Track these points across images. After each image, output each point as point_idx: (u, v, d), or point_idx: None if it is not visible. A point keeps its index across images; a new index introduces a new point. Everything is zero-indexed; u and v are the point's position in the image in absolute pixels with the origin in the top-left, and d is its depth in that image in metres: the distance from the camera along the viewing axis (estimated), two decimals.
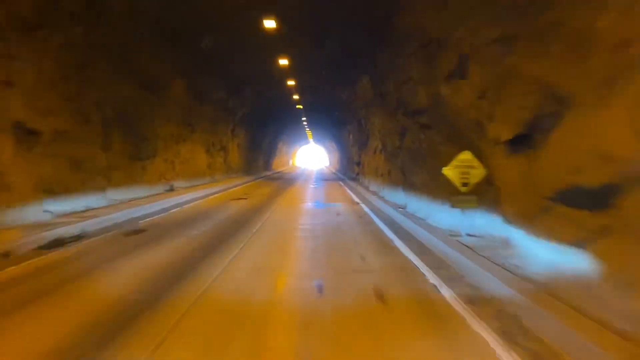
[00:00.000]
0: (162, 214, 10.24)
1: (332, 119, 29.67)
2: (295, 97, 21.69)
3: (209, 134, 19.29)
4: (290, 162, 68.85)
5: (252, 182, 23.51)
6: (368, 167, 18.86)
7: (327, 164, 67.13)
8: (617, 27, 3.51)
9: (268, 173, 35.45)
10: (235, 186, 19.48)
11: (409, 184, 9.91)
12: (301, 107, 25.21)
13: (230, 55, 14.48)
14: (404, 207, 10.31)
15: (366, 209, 11.68)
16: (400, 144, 10.45)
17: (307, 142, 70.56)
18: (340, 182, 23.95)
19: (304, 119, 32.71)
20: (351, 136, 25.81)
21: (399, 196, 11.35)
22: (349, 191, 17.77)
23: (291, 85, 18.63)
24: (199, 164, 18.32)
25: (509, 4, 4.88)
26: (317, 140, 61.58)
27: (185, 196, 13.74)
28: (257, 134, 30.94)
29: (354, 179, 24.47)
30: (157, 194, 13.33)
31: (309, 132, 48.76)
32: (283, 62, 13.90)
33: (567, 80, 4.18)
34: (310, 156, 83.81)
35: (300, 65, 15.50)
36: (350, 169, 28.76)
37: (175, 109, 14.20)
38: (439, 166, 7.72)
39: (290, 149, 64.32)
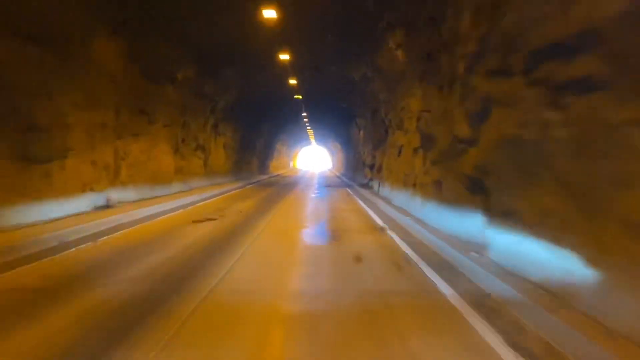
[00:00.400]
0: (35, 263, 5.53)
1: (337, 112, 25.01)
2: (293, 81, 17.02)
3: (177, 128, 14.62)
4: (291, 165, 64.39)
5: (238, 190, 18.80)
6: (389, 172, 14.14)
7: (330, 166, 62.71)
8: None
9: (264, 177, 30.78)
10: (212, 197, 14.78)
11: (497, 209, 5.19)
12: (300, 97, 20.56)
13: (194, 8, 9.84)
14: (480, 251, 5.58)
15: (404, 245, 6.95)
16: (473, 132, 5.74)
17: (309, 144, 66.18)
18: (349, 190, 19.22)
19: (304, 114, 28.07)
20: (362, 132, 21.10)
21: (459, 223, 6.64)
22: (363, 205, 13.05)
23: (285, 62, 13.97)
24: (162, 168, 13.65)
25: None
26: (319, 141, 57.11)
27: (122, 217, 9.05)
28: (250, 132, 26.30)
29: (364, 186, 19.76)
30: (74, 215, 8.66)
31: (310, 132, 44.15)
32: (269, 13, 9.22)
33: None
34: (312, 158, 79.29)
35: (297, 27, 10.86)
36: (360, 173, 24.07)
37: (107, 85, 9.52)
38: (620, 179, 3.00)
39: (291, 150, 59.87)
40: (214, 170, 20.02)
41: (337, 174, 40.73)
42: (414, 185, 9.89)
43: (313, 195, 16.76)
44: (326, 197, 15.86)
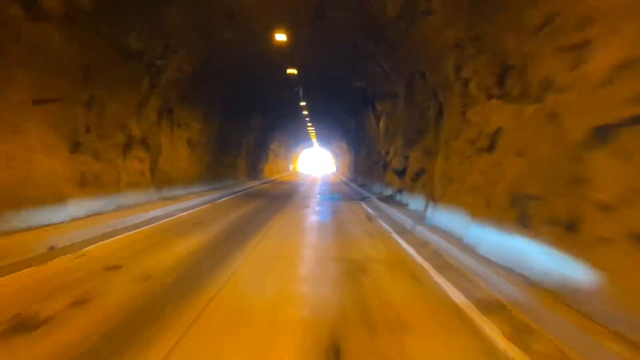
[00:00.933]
0: None
1: (345, 99, 18.82)
2: (281, 37, 10.79)
3: (74, 106, 8.37)
4: (291, 168, 58.20)
5: (201, 207, 12.53)
6: (447, 183, 7.84)
7: (334, 169, 56.67)
8: None
9: (253, 184, 24.52)
10: (129, 229, 8.48)
11: None
12: (295, 71, 14.32)
13: None
14: None
15: None
16: None
17: (311, 145, 60.16)
18: (367, 207, 12.91)
19: (303, 104, 21.86)
20: (383, 123, 14.83)
21: None
22: (411, 250, 6.71)
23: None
24: (32, 177, 7.40)
25: None
26: (322, 141, 51.03)
27: None
28: (232, 125, 20.11)
29: (388, 199, 13.49)
30: None
31: (310, 129, 37.96)
32: None
33: None
34: (315, 161, 73.20)
35: None
36: (376, 179, 17.81)
37: None
38: None
39: (290, 151, 53.75)
40: (169, 178, 13.78)
41: (344, 179, 34.49)
42: (598, 236, 3.57)
43: (314, 219, 10.47)
44: (336, 224, 9.55)
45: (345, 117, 23.14)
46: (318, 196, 17.49)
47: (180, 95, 13.00)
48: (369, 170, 20.58)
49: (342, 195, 17.92)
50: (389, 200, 13.47)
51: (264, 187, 23.87)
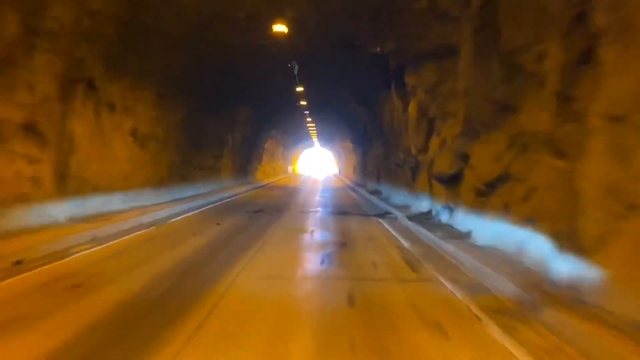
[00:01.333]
0: None
1: (356, 79, 14.26)
2: None
3: None
4: (290, 169, 53.64)
5: (127, 236, 7.81)
6: (618, 215, 3.18)
7: (336, 171, 52.05)
8: None
9: (239, 190, 19.81)
10: None
11: None
12: (285, 28, 9.67)
13: None
14: None
15: None
16: None
17: (312, 145, 55.60)
18: (390, 229, 8.27)
19: (300, 89, 17.23)
20: (415, 104, 10.11)
21: None
22: None
23: None
24: None
25: None
26: (323, 140, 46.51)
27: None
28: (208, 115, 15.56)
29: (424, 220, 8.87)
30: None
31: (311, 126, 33.33)
32: None
33: None
34: (315, 161, 68.51)
35: None
36: (399, 185, 13.24)
37: None
38: None
39: (290, 151, 49.29)
40: (95, 186, 9.15)
41: (349, 183, 29.83)
42: None
43: (312, 265, 5.84)
44: (352, 281, 4.89)
45: (354, 106, 18.53)
46: (319, 209, 12.82)
47: (106, 58, 8.37)
48: (386, 174, 15.95)
49: (351, 208, 13.27)
50: (426, 220, 8.81)
51: (252, 194, 19.21)
